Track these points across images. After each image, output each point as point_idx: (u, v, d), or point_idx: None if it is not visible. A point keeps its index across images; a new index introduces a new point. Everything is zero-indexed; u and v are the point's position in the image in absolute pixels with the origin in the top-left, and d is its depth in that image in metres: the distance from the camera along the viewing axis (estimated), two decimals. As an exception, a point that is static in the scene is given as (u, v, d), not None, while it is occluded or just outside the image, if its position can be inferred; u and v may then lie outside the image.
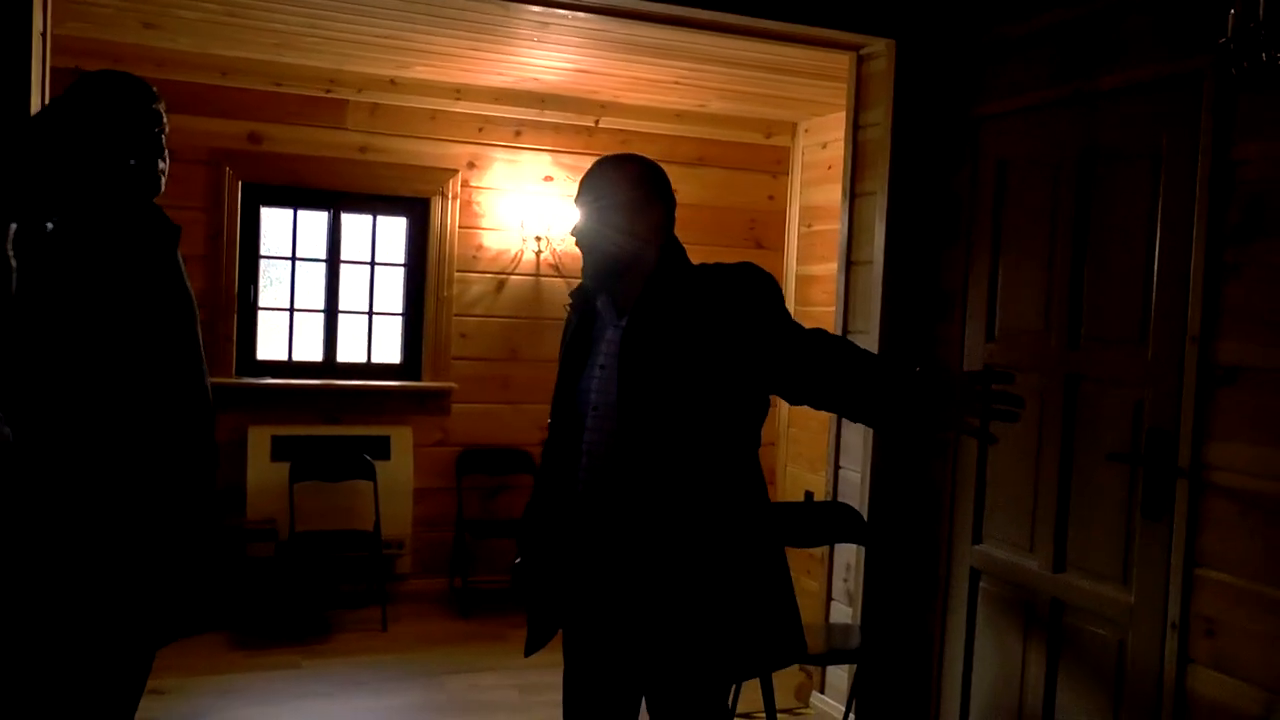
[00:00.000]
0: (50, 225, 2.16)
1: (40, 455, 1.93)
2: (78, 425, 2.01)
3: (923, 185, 3.95)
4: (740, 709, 3.74)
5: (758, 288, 2.33)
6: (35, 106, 2.94)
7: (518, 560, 2.57)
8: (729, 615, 2.31)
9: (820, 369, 2.29)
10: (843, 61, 4.30)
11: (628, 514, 2.29)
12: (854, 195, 4.18)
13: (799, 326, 2.36)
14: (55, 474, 1.97)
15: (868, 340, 3.98)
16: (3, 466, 1.13)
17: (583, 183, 2.41)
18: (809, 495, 5.51)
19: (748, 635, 2.34)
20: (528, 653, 2.49)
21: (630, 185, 2.37)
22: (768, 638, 2.38)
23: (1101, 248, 3.24)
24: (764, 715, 3.55)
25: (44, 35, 3.02)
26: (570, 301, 2.53)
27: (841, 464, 4.19)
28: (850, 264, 4.17)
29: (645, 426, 2.27)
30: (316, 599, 5.44)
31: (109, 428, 2.08)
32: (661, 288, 2.33)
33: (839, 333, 4.15)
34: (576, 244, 2.41)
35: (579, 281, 2.48)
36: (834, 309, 4.33)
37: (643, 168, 2.42)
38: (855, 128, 4.18)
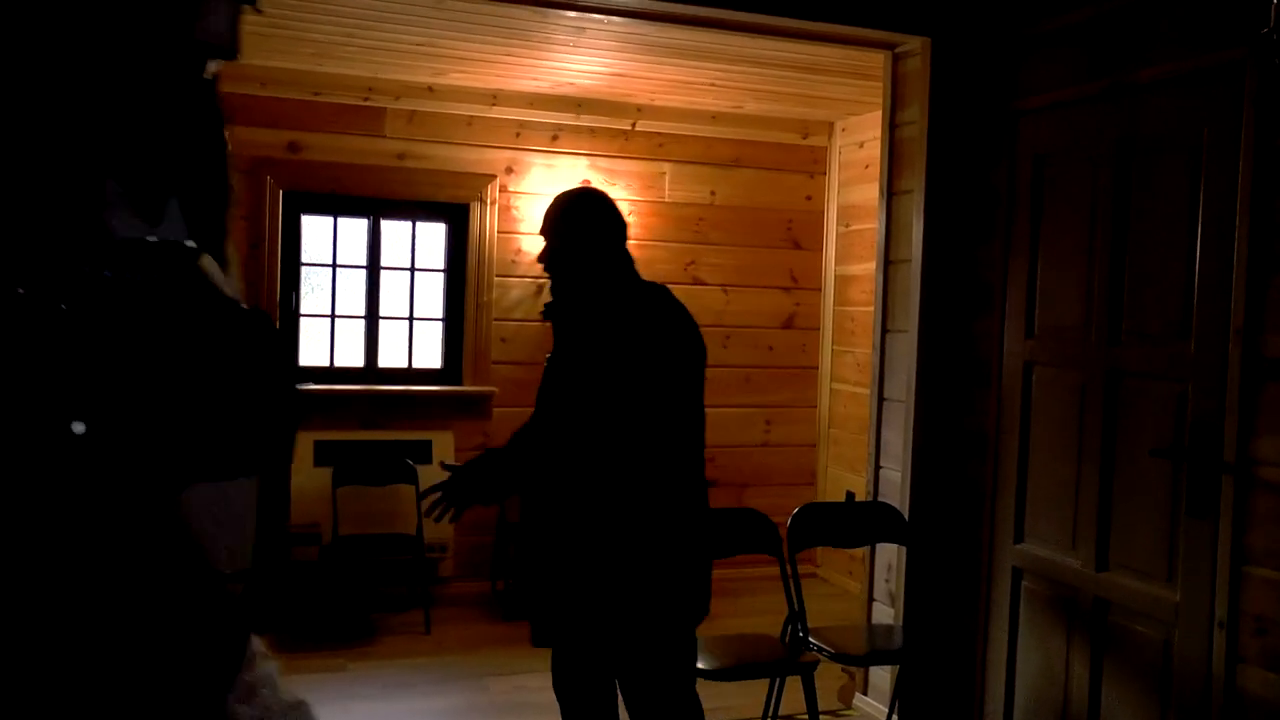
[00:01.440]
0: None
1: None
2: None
3: (960, 182, 3.93)
4: (783, 710, 3.74)
5: (687, 351, 2.68)
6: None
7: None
8: (622, 587, 2.69)
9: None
10: (878, 60, 4.29)
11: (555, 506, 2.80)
12: (891, 193, 4.16)
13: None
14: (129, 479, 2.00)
15: (907, 339, 3.97)
16: (72, 464, 1.14)
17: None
18: (850, 495, 5.49)
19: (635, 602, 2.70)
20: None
21: (561, 215, 2.72)
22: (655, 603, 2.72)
23: (1142, 242, 3.21)
24: (805, 717, 3.54)
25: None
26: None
27: (882, 464, 4.18)
28: (889, 262, 4.15)
29: (552, 431, 2.73)
30: (360, 602, 5.50)
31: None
32: (583, 308, 2.68)
33: (878, 331, 4.16)
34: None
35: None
36: (872, 308, 4.32)
37: (572, 198, 2.79)
38: (892, 126, 4.16)
